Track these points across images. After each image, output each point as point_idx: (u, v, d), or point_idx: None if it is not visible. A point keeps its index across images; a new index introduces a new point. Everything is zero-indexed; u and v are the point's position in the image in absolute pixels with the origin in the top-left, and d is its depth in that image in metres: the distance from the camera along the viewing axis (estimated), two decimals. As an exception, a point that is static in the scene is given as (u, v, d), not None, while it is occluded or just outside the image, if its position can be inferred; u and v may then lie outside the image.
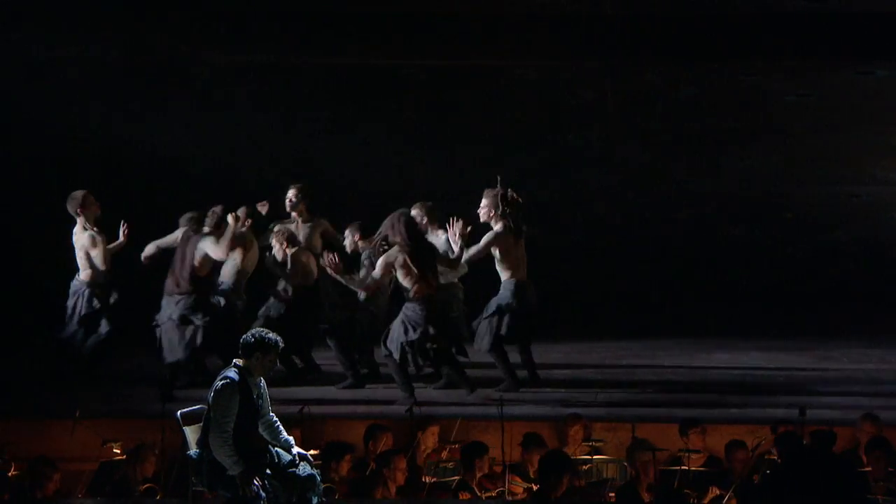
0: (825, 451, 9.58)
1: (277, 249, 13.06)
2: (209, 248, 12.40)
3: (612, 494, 10.41)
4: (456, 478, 10.77)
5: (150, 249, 13.03)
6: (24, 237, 16.17)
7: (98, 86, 16.27)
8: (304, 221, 13.34)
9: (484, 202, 12.73)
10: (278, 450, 9.39)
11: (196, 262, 12.43)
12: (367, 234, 12.89)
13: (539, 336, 13.14)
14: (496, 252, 12.66)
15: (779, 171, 17.92)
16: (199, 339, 12.36)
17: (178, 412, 9.65)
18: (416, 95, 17.14)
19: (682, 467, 10.63)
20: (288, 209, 13.26)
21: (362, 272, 12.70)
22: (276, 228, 13.17)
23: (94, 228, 12.95)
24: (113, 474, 10.75)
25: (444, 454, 11.26)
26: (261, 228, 13.25)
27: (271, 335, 9.29)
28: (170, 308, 12.44)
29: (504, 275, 12.73)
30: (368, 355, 13.37)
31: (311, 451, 10.05)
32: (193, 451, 9.34)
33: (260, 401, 9.33)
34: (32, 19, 15.65)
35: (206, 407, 9.24)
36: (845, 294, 17.79)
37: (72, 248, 13.09)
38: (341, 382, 13.01)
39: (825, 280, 18.13)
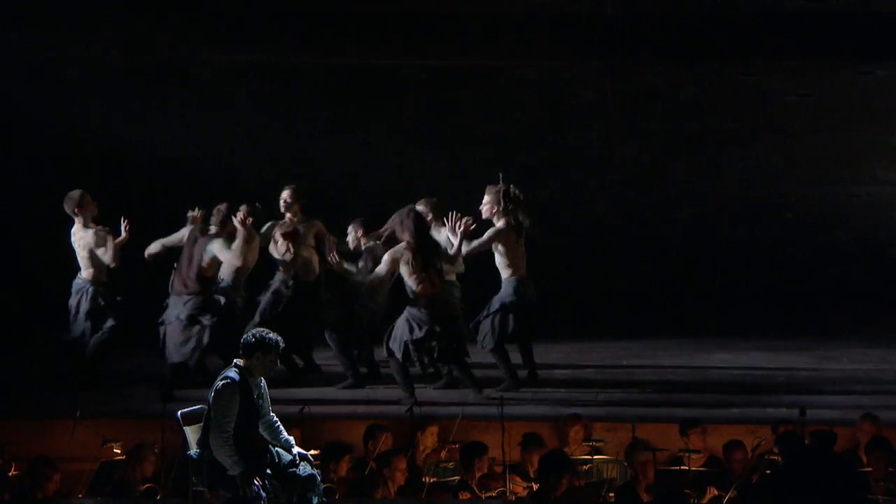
0: (825, 451, 9.58)
1: (281, 244, 13.05)
2: (222, 252, 12.35)
3: (612, 495, 10.41)
4: (456, 478, 10.77)
5: (154, 247, 12.99)
6: (24, 237, 16.17)
7: (98, 86, 16.27)
8: (298, 222, 13.33)
9: (486, 198, 12.72)
10: (279, 450, 9.39)
11: (204, 264, 12.40)
12: (370, 230, 12.89)
13: (539, 336, 13.14)
14: (498, 248, 12.66)
15: (779, 171, 17.93)
16: (205, 339, 12.33)
17: (179, 412, 9.65)
18: (416, 95, 17.13)
19: (683, 467, 10.64)
20: (282, 210, 13.26)
21: (360, 265, 12.72)
22: (281, 222, 13.17)
23: (99, 226, 12.92)
24: (113, 474, 10.75)
25: (444, 454, 11.26)
26: (258, 225, 13.23)
27: (272, 335, 9.29)
28: (178, 308, 12.40)
29: (505, 272, 12.72)
30: (368, 355, 13.38)
31: (312, 451, 10.05)
32: (194, 451, 9.34)
33: (260, 401, 9.33)
34: (32, 19, 15.65)
35: (206, 407, 9.25)
36: (845, 294, 17.79)
37: (71, 248, 13.07)
38: (341, 382, 13.01)
39: (825, 280, 18.13)
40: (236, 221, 12.44)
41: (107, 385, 12.98)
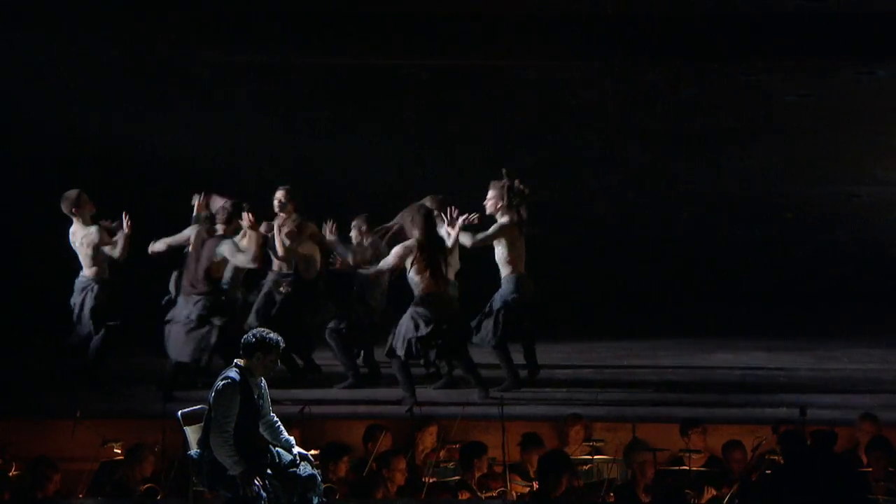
0: (826, 451, 9.58)
1: (285, 234, 13.05)
2: (234, 256, 12.32)
3: (611, 495, 10.40)
4: (456, 478, 10.77)
5: (159, 246, 12.91)
6: (24, 237, 16.17)
7: (98, 86, 16.27)
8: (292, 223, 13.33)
9: (491, 193, 12.72)
10: (279, 450, 9.39)
11: (212, 264, 12.37)
12: (373, 227, 12.91)
13: (539, 336, 13.13)
14: (501, 243, 12.65)
15: (779, 171, 17.93)
16: (213, 340, 12.28)
17: (179, 412, 9.64)
18: (416, 95, 17.14)
19: (683, 467, 10.64)
20: (276, 210, 13.25)
21: (353, 244, 12.78)
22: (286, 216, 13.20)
23: (109, 221, 12.89)
24: (113, 474, 10.75)
25: (443, 454, 11.25)
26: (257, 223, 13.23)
27: (272, 335, 9.28)
28: (188, 307, 12.34)
29: (505, 269, 12.71)
30: (369, 355, 13.38)
31: (312, 452, 10.05)
32: (194, 451, 9.33)
33: (261, 401, 9.32)
34: (32, 19, 15.65)
35: (206, 407, 9.24)
36: (845, 294, 17.79)
37: (71, 249, 13.05)
38: (341, 382, 13.01)
39: (825, 280, 18.14)
40: (246, 223, 12.43)
41: (107, 385, 12.97)
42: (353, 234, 13.11)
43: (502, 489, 10.49)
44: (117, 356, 13.32)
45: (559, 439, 11.38)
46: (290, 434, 9.57)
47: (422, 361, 12.29)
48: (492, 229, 12.61)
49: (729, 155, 17.89)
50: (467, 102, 17.16)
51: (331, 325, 13.10)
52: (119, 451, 10.92)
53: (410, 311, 12.10)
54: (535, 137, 17.44)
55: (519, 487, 10.59)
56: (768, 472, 10.24)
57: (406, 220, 12.12)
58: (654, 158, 17.83)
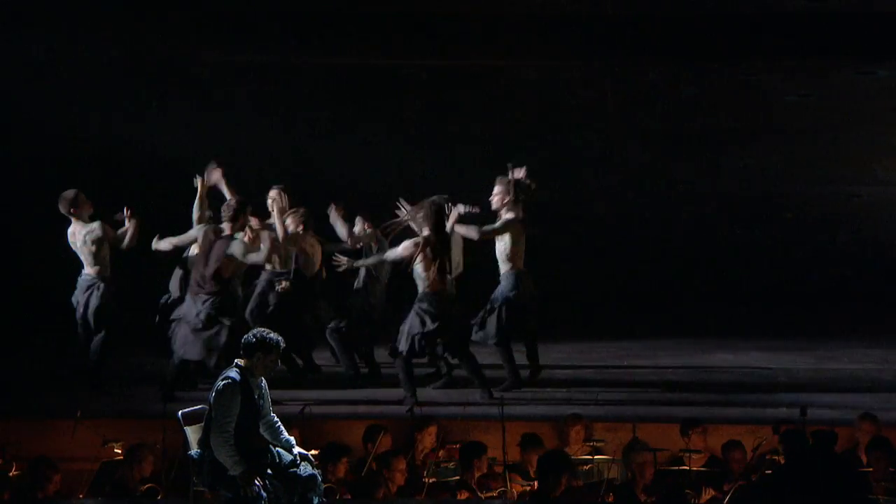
0: (826, 451, 9.58)
1: (291, 226, 13.05)
2: (245, 256, 12.30)
3: (611, 495, 10.40)
4: (455, 478, 10.77)
5: (164, 245, 12.86)
6: (24, 237, 16.17)
7: (98, 86, 16.27)
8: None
9: (497, 188, 12.72)
10: (279, 450, 9.39)
11: (221, 264, 12.34)
12: (377, 223, 12.92)
13: (539, 336, 13.13)
14: (505, 239, 12.65)
15: (779, 171, 17.94)
16: (223, 340, 12.24)
17: (180, 412, 9.65)
18: (416, 95, 17.14)
19: (683, 467, 10.64)
20: (270, 209, 13.23)
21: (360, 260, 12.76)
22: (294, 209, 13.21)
23: (121, 213, 12.87)
24: (113, 474, 10.75)
25: (442, 454, 11.26)
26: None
27: (273, 335, 9.29)
28: (196, 307, 12.32)
29: (505, 265, 12.71)
30: (369, 354, 13.38)
31: (312, 452, 10.05)
32: (195, 451, 9.34)
33: (261, 401, 9.32)
34: (32, 19, 15.65)
35: (207, 407, 9.24)
36: (845, 294, 17.80)
37: (70, 249, 13.04)
38: (342, 382, 13.01)
39: (825, 280, 18.15)
40: (253, 222, 12.45)
41: (107, 385, 12.97)
42: (357, 228, 13.15)
43: (502, 489, 10.49)
44: (117, 356, 13.32)
45: (559, 439, 11.38)
46: (290, 434, 9.58)
47: (426, 359, 12.27)
48: (499, 223, 12.63)
49: (729, 155, 17.90)
50: (467, 102, 17.16)
51: (331, 324, 13.12)
52: (119, 451, 10.92)
53: (415, 308, 12.09)
54: (535, 137, 17.44)
55: (519, 487, 10.59)
56: (768, 472, 10.25)
57: (415, 215, 12.11)
58: (654, 158, 17.83)
